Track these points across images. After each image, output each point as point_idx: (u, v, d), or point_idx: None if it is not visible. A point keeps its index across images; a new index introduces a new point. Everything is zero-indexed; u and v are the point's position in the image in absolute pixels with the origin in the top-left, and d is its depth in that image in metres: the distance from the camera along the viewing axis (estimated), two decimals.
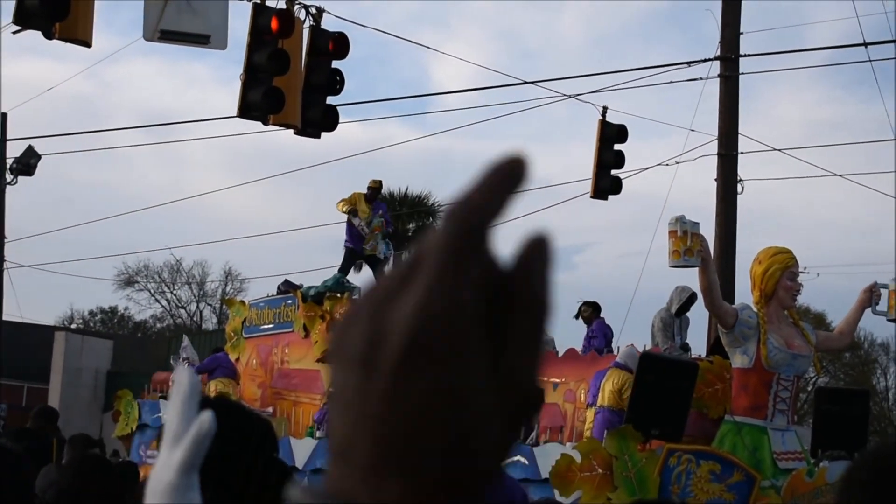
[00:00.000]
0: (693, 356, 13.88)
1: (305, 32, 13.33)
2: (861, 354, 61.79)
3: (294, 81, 13.01)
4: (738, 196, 19.28)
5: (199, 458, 1.67)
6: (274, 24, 12.73)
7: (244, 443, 2.80)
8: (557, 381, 15.06)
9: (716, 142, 19.33)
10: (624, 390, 13.29)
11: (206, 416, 1.69)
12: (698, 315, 16.00)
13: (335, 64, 13.62)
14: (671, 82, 19.29)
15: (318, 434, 16.20)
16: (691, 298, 15.45)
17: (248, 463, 2.80)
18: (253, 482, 2.80)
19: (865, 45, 18.38)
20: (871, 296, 11.38)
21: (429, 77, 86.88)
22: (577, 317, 17.25)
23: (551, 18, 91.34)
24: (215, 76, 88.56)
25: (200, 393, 1.74)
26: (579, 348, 16.28)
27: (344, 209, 19.18)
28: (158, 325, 65.48)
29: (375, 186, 19.64)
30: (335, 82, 13.57)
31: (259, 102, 12.62)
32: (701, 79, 19.17)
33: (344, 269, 19.25)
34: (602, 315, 17.32)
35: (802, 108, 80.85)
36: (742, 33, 18.93)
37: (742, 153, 19.36)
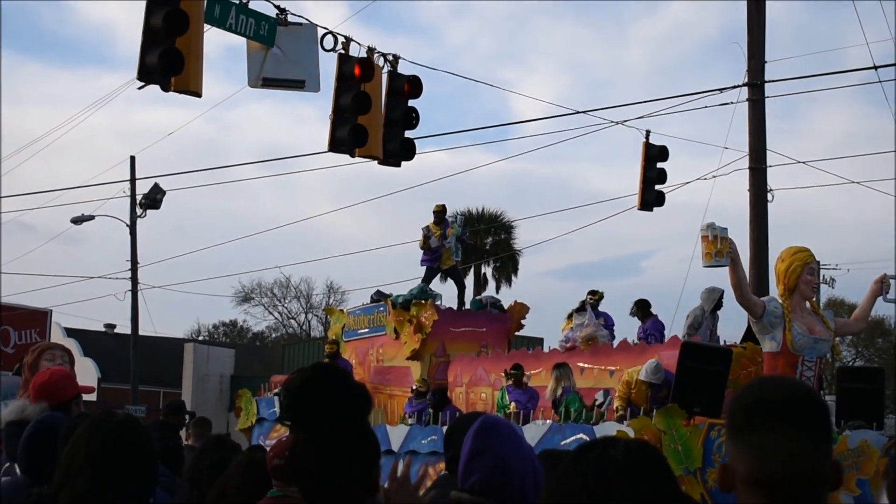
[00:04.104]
0: (728, 343, 13.91)
1: (384, 77, 13.62)
2: (892, 340, 60.89)
3: (375, 119, 13.25)
4: (769, 204, 19.19)
5: None
6: (356, 70, 13.02)
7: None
8: (613, 368, 15.18)
9: (747, 157, 19.29)
10: (632, 384, 13.70)
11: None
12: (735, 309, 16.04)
13: (411, 102, 13.90)
14: (706, 107, 19.33)
15: (409, 422, 16.40)
16: (722, 295, 15.40)
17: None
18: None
19: (875, 68, 18.24)
20: (881, 286, 11.38)
21: (508, 108, 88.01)
22: (631, 314, 17.10)
23: (619, 52, 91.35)
24: (318, 115, 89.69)
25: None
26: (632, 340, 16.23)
27: (425, 245, 19.17)
28: (273, 335, 66.35)
29: (439, 210, 19.51)
30: (411, 118, 13.83)
31: (346, 138, 12.87)
32: (732, 103, 19.18)
33: (427, 280, 19.43)
34: (654, 312, 17.16)
35: (838, 124, 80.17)
36: (766, 62, 18.86)
37: (771, 166, 19.25)
